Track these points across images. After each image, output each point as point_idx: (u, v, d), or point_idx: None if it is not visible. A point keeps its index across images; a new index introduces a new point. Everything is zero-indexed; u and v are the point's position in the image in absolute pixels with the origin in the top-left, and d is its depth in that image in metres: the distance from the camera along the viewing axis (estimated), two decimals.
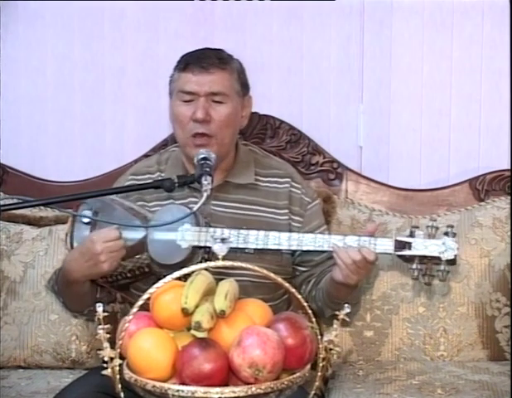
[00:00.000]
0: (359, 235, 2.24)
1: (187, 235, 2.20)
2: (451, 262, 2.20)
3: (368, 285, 2.68)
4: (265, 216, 2.42)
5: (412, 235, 2.21)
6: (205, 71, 2.34)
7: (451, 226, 2.21)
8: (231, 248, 1.74)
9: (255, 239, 2.23)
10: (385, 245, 2.21)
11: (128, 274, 2.27)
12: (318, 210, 2.53)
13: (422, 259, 2.20)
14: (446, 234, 2.19)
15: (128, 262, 2.25)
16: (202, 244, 2.19)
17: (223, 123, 2.36)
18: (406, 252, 2.19)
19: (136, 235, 2.24)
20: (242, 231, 2.23)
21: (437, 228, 2.19)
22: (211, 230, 2.21)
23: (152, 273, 2.24)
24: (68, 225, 2.34)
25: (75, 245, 2.29)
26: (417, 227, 2.23)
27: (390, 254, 2.21)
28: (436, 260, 2.19)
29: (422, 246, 2.18)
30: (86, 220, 2.27)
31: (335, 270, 2.25)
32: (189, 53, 2.41)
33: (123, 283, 2.32)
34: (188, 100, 2.36)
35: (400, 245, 2.20)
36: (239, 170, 2.45)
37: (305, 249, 2.25)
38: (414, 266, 2.19)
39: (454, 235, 2.19)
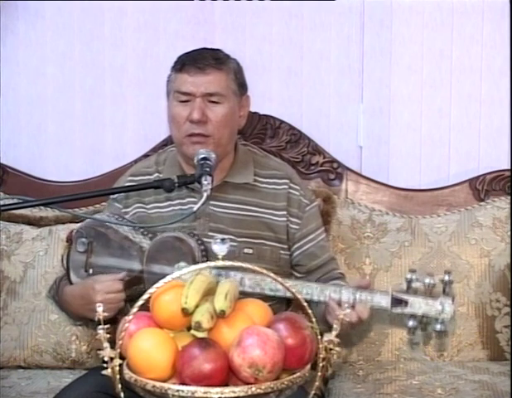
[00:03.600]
0: (355, 288, 2.16)
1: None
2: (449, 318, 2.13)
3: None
4: (263, 217, 2.42)
5: (409, 287, 2.12)
6: (200, 72, 2.34)
7: (449, 272, 2.12)
8: (230, 247, 1.73)
9: (251, 282, 2.15)
10: (381, 301, 2.14)
11: (127, 298, 2.28)
12: (316, 212, 2.53)
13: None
14: (444, 288, 2.11)
15: (125, 292, 2.26)
16: None
17: (220, 123, 2.35)
18: (402, 310, 2.12)
19: (133, 266, 2.25)
20: (238, 274, 2.15)
21: (434, 285, 2.11)
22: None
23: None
24: (63, 250, 2.35)
25: (71, 272, 2.31)
26: (414, 271, 2.14)
27: (386, 310, 2.14)
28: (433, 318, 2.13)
29: (418, 305, 2.11)
30: (82, 249, 2.29)
31: (327, 316, 2.18)
32: (185, 53, 2.41)
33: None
34: (184, 101, 2.36)
35: (397, 302, 2.13)
36: (237, 170, 2.44)
37: (303, 296, 2.16)
38: (410, 324, 2.12)
39: (451, 283, 2.11)
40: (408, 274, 2.14)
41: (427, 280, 2.12)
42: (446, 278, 2.11)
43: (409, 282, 2.13)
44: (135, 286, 2.25)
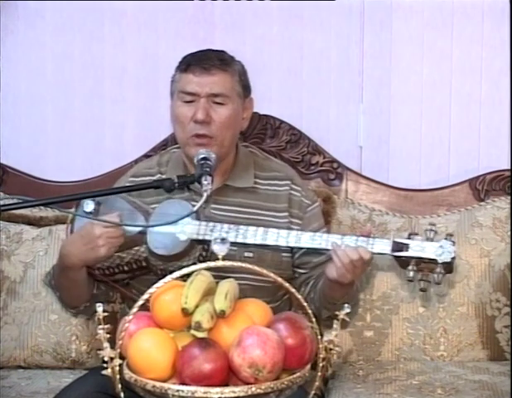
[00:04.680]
0: (357, 234, 2.23)
1: (186, 228, 2.20)
2: (448, 268, 2.17)
3: (368, 285, 2.68)
4: (265, 220, 2.41)
5: (410, 237, 2.19)
6: (206, 72, 2.34)
7: (451, 235, 2.19)
8: (230, 251, 1.73)
9: (254, 235, 2.23)
10: (382, 246, 2.20)
11: (125, 267, 2.28)
12: (318, 212, 2.53)
13: (419, 263, 2.17)
14: (445, 238, 2.18)
15: (125, 254, 2.25)
16: (201, 237, 2.20)
17: (223, 124, 2.35)
18: (403, 253, 2.18)
19: (137, 229, 2.24)
20: (241, 227, 2.24)
21: (435, 232, 2.18)
22: (210, 224, 2.22)
23: (149, 267, 2.24)
24: (70, 218, 2.34)
25: (75, 230, 2.30)
26: (416, 234, 2.21)
27: (386, 254, 2.20)
28: (432, 265, 2.16)
29: (419, 248, 2.16)
30: (89, 209, 2.27)
31: (330, 268, 2.24)
32: (191, 54, 2.41)
33: (120, 277, 2.32)
34: (189, 101, 2.36)
35: (397, 247, 2.18)
36: (238, 173, 2.44)
37: (302, 245, 2.25)
38: (410, 267, 2.17)
39: (453, 243, 2.17)
40: (410, 232, 2.21)
41: (429, 227, 2.18)
42: (448, 238, 2.17)
43: (410, 235, 2.20)
44: (136, 247, 2.24)
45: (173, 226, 2.20)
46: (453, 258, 2.16)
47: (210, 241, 2.13)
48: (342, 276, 2.21)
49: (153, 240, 2.23)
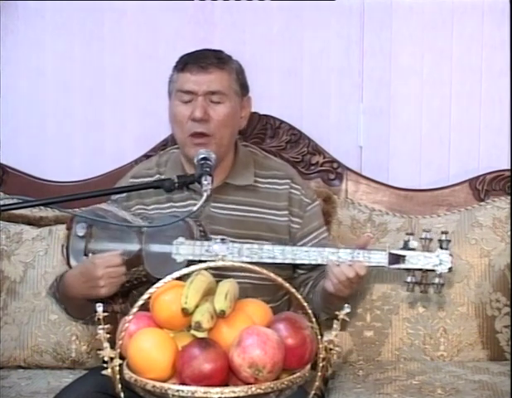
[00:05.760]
0: (353, 248, 2.22)
1: (182, 249, 2.20)
2: (447, 271, 2.18)
3: (368, 285, 2.68)
4: (265, 218, 2.41)
5: (406, 245, 2.18)
6: (203, 71, 2.34)
7: (446, 233, 2.19)
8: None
9: (249, 252, 2.22)
10: (379, 259, 2.19)
11: (126, 284, 2.27)
12: (318, 211, 2.53)
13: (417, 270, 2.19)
14: (440, 245, 2.18)
15: (125, 275, 2.25)
16: (197, 258, 2.19)
17: (221, 122, 2.35)
18: (400, 265, 2.18)
19: (132, 248, 2.24)
20: (235, 244, 2.22)
21: (430, 240, 2.17)
22: (206, 243, 2.20)
23: (150, 281, 2.24)
24: (63, 238, 2.35)
25: (71, 258, 2.31)
26: (411, 234, 2.21)
27: (384, 267, 2.20)
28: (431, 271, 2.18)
29: (416, 260, 2.16)
30: (81, 233, 2.28)
31: (327, 282, 2.24)
32: (188, 53, 2.41)
33: (122, 291, 2.32)
34: (187, 100, 2.36)
35: (394, 259, 2.18)
36: (238, 171, 2.44)
37: (298, 262, 2.25)
38: (409, 279, 2.18)
39: (448, 242, 2.17)
40: (406, 236, 2.20)
41: (424, 235, 2.17)
42: (444, 237, 2.17)
43: (406, 241, 2.18)
44: (135, 268, 2.24)
45: (169, 248, 2.20)
46: (450, 268, 2.18)
47: (206, 261, 2.14)
48: (339, 291, 2.22)
49: (150, 264, 2.23)
